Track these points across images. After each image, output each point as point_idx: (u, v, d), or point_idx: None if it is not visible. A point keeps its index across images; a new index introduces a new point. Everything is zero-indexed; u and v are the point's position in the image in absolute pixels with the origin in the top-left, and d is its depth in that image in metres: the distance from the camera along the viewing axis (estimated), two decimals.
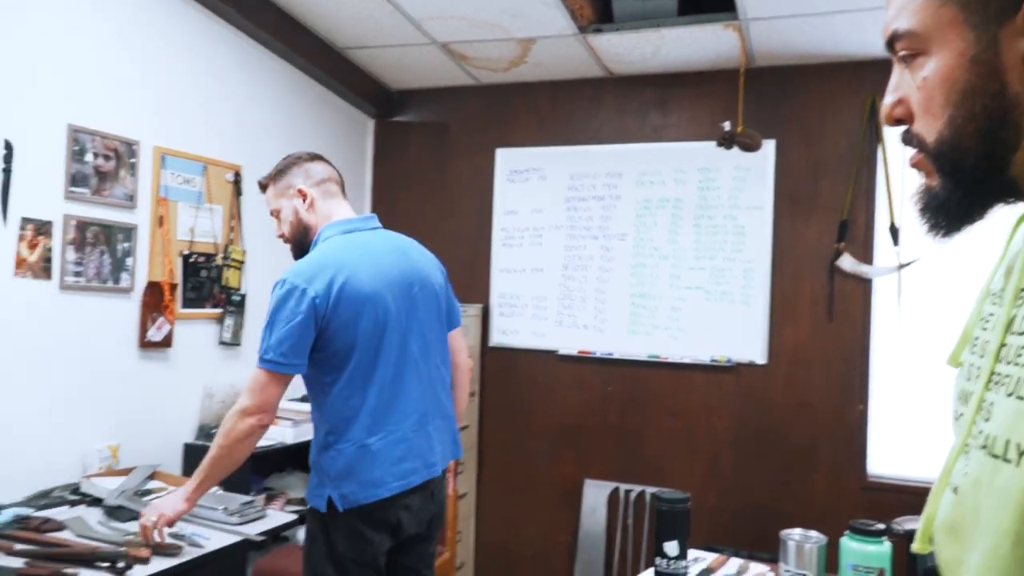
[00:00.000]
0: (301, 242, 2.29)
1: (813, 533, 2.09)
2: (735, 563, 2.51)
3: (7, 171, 2.74)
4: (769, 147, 4.02)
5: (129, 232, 3.20)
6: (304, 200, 2.28)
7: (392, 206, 4.77)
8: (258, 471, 3.71)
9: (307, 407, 3.99)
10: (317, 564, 2.10)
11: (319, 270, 2.08)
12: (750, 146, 3.61)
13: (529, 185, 4.52)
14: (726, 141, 3.60)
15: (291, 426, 3.74)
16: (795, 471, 3.99)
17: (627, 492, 4.24)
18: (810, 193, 4.01)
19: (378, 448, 2.09)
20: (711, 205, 4.14)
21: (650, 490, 4.19)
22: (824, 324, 3.98)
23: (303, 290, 2.06)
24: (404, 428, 2.11)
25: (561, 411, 4.41)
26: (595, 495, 4.29)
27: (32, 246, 2.83)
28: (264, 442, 3.66)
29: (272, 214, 2.34)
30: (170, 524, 2.20)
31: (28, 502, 2.75)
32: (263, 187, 2.36)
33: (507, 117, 4.59)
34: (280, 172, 2.31)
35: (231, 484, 3.19)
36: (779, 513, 3.93)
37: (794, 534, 2.10)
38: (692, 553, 2.26)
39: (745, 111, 3.89)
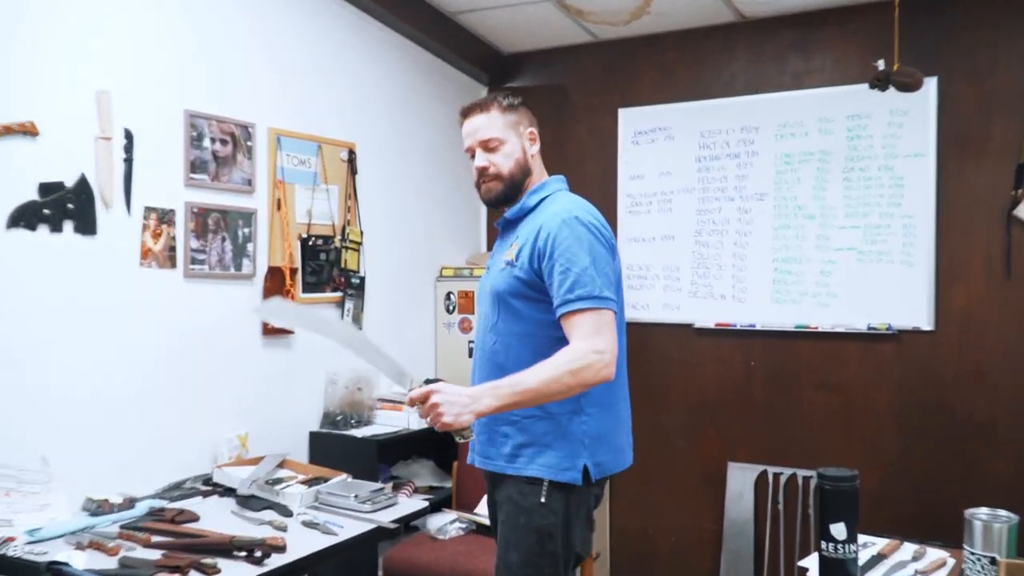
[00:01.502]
0: (514, 184, 2.13)
1: (1002, 512, 1.95)
2: (909, 548, 2.37)
3: (129, 161, 2.85)
4: (930, 85, 3.74)
5: (248, 217, 3.30)
6: (534, 145, 2.18)
7: None
8: (384, 458, 3.79)
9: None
10: (544, 562, 1.98)
11: (596, 216, 2.06)
12: (909, 85, 3.35)
13: (656, 146, 4.40)
14: (880, 82, 3.35)
15: (415, 411, 3.78)
16: (971, 450, 3.74)
17: (776, 475, 4.10)
18: (980, 135, 3.71)
19: (621, 411, 2.11)
20: (863, 156, 3.91)
21: (802, 473, 4.03)
22: (1000, 282, 3.69)
23: (599, 229, 2.02)
24: (618, 392, 2.11)
25: (700, 388, 4.29)
26: (741, 479, 4.17)
27: (156, 235, 2.94)
28: (388, 428, 3.73)
29: (487, 144, 2.11)
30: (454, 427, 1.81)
31: (162, 494, 2.89)
32: (479, 109, 2.14)
33: (629, 74, 4.47)
34: (512, 106, 2.15)
35: (359, 471, 3.26)
36: (952, 498, 3.70)
37: (980, 513, 1.97)
38: (860, 538, 2.13)
39: (901, 47, 3.64)
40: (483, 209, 4.93)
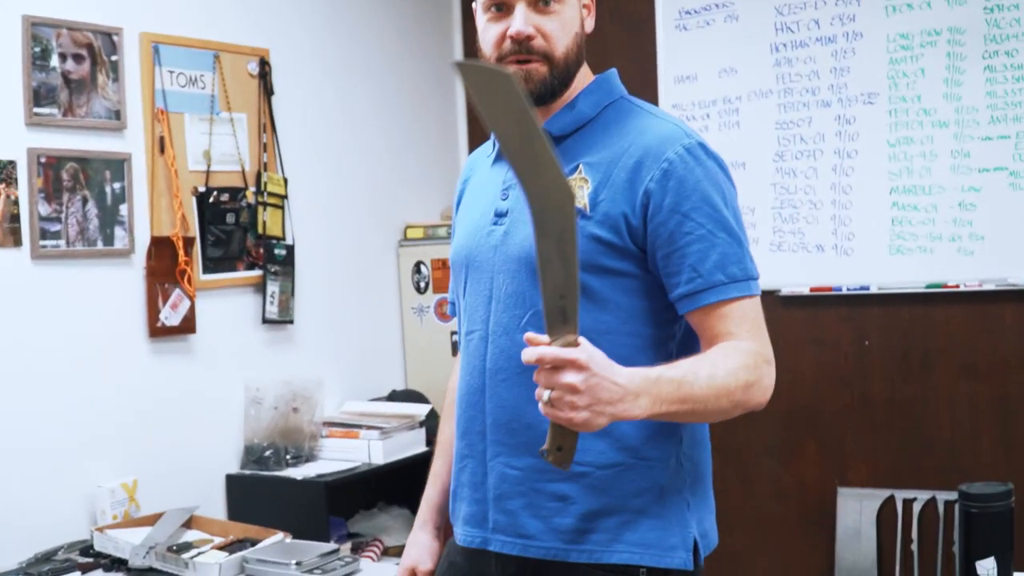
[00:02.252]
0: (568, 73, 1.98)
1: None
2: None
3: None
4: None
5: (119, 166, 3.36)
6: (590, 17, 2.06)
7: None
8: (337, 508, 3.88)
9: (402, 408, 4.13)
10: None
11: None
12: None
13: (712, 32, 4.45)
14: None
15: (379, 438, 3.88)
16: None
17: (908, 502, 4.19)
18: None
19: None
20: (1009, 35, 3.95)
21: (943, 496, 4.11)
22: None
23: (728, 170, 1.98)
24: None
25: (792, 384, 4.36)
26: (857, 511, 4.26)
27: None
28: (340, 464, 3.81)
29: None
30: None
31: (26, 569, 2.98)
32: None
33: None
34: None
35: (301, 527, 3.35)
36: None
37: None
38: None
39: None
40: (463, 133, 4.97)
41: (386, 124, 4.51)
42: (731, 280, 1.85)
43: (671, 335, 1.94)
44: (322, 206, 4.17)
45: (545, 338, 1.59)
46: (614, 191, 1.88)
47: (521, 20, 1.89)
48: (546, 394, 1.59)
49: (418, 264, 4.55)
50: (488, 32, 1.95)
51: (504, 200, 2.00)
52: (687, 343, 1.95)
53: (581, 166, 1.93)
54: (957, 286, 4.10)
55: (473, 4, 2.03)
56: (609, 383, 1.60)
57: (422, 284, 4.55)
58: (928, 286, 4.14)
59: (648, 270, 1.89)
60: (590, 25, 2.03)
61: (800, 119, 4.33)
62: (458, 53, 4.96)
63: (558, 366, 1.58)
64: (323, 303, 4.15)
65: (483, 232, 2.01)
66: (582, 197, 1.89)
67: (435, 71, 4.83)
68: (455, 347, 4.37)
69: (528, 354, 1.59)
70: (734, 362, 1.80)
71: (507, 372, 1.93)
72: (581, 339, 1.60)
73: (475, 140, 4.91)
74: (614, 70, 2.07)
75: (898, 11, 4.14)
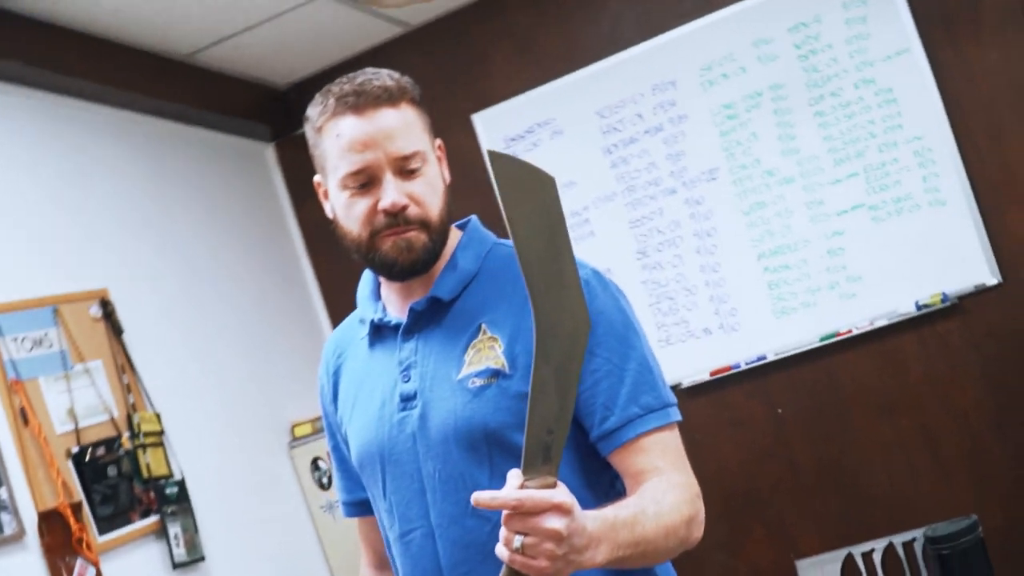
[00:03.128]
0: (444, 235, 1.90)
1: None
2: None
3: None
4: None
5: None
6: (444, 165, 1.95)
7: (343, 256, 4.71)
8: None
9: None
10: None
11: None
12: None
13: (542, 151, 4.50)
14: None
15: None
16: None
17: (867, 555, 4.17)
18: (966, 2, 3.97)
19: None
20: (828, 76, 4.12)
21: (900, 539, 4.12)
22: None
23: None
24: None
25: (720, 471, 4.34)
26: None
27: None
28: None
29: (406, 164, 1.84)
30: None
31: None
32: (385, 98, 1.84)
33: (472, 64, 4.57)
34: (420, 99, 1.92)
35: None
36: None
37: None
38: None
39: None
40: (325, 320, 4.91)
41: (245, 332, 4.43)
42: (646, 411, 1.80)
43: (612, 478, 1.86)
44: (203, 431, 4.03)
45: (519, 476, 1.49)
46: (524, 341, 1.79)
47: (393, 191, 1.81)
48: (517, 540, 1.48)
49: (315, 461, 4.43)
50: (354, 209, 1.84)
51: (407, 382, 1.87)
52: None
53: (483, 326, 1.85)
54: (850, 331, 4.16)
55: (316, 183, 1.93)
56: (580, 531, 1.51)
57: (324, 480, 4.42)
58: (822, 339, 4.21)
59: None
60: (447, 175, 1.94)
61: (651, 212, 4.39)
62: (283, 195, 4.96)
63: (540, 510, 1.47)
64: (230, 529, 3.99)
65: (392, 421, 1.87)
66: (497, 357, 1.80)
67: (279, 264, 4.79)
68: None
69: (507, 496, 1.47)
70: (673, 497, 1.73)
71: (469, 563, 1.81)
72: (559, 482, 1.50)
73: (338, 322, 4.82)
74: (475, 217, 2.00)
75: (715, 84, 4.26)
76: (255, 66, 4.53)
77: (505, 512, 1.47)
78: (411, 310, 1.88)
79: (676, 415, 1.83)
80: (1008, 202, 3.99)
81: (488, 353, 1.82)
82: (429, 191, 1.85)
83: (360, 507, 2.06)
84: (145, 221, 4.10)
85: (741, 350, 4.30)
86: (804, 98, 4.14)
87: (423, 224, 1.84)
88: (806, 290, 4.21)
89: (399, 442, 1.86)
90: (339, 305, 4.86)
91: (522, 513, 1.46)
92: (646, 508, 1.67)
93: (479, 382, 1.80)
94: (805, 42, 4.12)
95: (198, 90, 4.36)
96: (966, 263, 4.02)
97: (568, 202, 4.46)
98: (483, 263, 1.92)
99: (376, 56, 4.66)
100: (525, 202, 1.45)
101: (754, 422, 4.33)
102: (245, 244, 4.57)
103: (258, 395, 4.40)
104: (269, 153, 4.91)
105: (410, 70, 4.71)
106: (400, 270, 1.86)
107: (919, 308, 4.06)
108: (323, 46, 4.50)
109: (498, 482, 1.67)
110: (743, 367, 4.30)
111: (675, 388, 4.35)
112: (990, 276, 4.00)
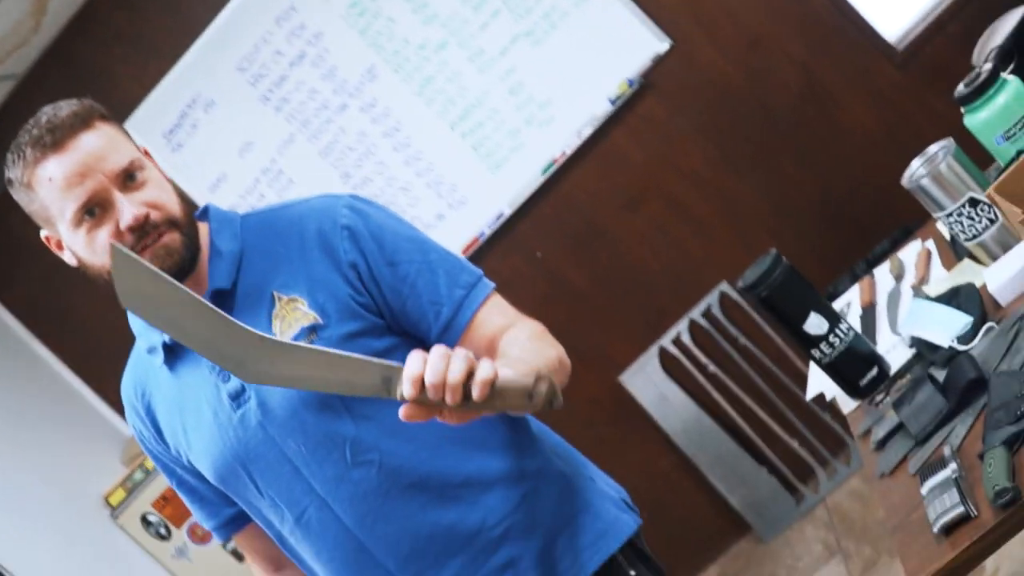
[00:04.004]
0: (193, 224, 1.88)
1: (931, 148, 2.17)
2: (884, 272, 2.62)
3: None
4: None
5: None
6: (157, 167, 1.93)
7: (62, 304, 4.63)
8: None
9: None
10: None
11: None
12: None
13: (205, 128, 4.44)
14: None
15: None
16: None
17: (676, 340, 4.36)
18: None
19: None
20: None
21: (697, 312, 4.30)
22: None
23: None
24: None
25: None
26: (645, 381, 4.42)
27: None
28: None
29: (126, 174, 1.80)
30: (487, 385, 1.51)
31: None
32: (79, 125, 1.79)
33: (94, 82, 4.42)
34: (107, 112, 1.87)
35: None
36: (863, 185, 4.15)
37: (917, 167, 2.16)
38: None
39: None
40: (79, 385, 4.75)
41: (8, 443, 4.26)
42: (469, 288, 1.84)
43: None
44: (24, 546, 3.89)
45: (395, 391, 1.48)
46: (324, 286, 1.82)
47: (127, 206, 1.77)
48: (456, 370, 1.44)
49: (143, 517, 4.31)
50: (96, 241, 1.78)
51: (227, 381, 1.84)
52: None
53: (275, 293, 1.85)
54: (563, 153, 4.29)
55: (46, 238, 1.87)
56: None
57: (162, 531, 4.33)
58: (544, 171, 4.31)
59: (407, 332, 1.85)
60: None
61: (335, 135, 4.40)
62: (21, 331, 4.76)
63: (442, 359, 1.45)
64: None
65: (232, 424, 1.85)
66: (306, 314, 1.81)
67: (10, 362, 4.59)
68: (236, 553, 4.19)
69: (411, 374, 1.44)
70: (525, 335, 1.79)
71: (374, 511, 1.83)
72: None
73: (91, 379, 4.74)
74: (211, 204, 1.99)
75: None
76: None
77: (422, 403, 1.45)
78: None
79: (490, 284, 1.87)
80: None
81: (295, 315, 1.82)
82: (161, 191, 1.83)
83: (232, 524, 2.04)
84: None
85: (478, 218, 4.38)
86: None
87: (171, 223, 1.81)
88: (507, 135, 4.28)
89: (251, 439, 1.84)
90: (88, 365, 4.72)
91: (424, 402, 1.45)
92: (518, 350, 1.71)
93: (309, 338, 1.80)
94: None
95: None
96: (634, 42, 4.15)
97: (253, 164, 4.45)
98: (242, 239, 1.90)
99: (1, 122, 4.45)
100: (146, 297, 1.45)
101: (521, 276, 4.42)
102: None
103: (57, 490, 4.25)
104: None
105: (29, 116, 4.49)
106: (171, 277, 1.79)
107: (614, 103, 4.19)
108: None
109: (363, 423, 1.79)
110: (487, 232, 4.38)
111: None
112: (659, 44, 4.14)
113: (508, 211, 4.35)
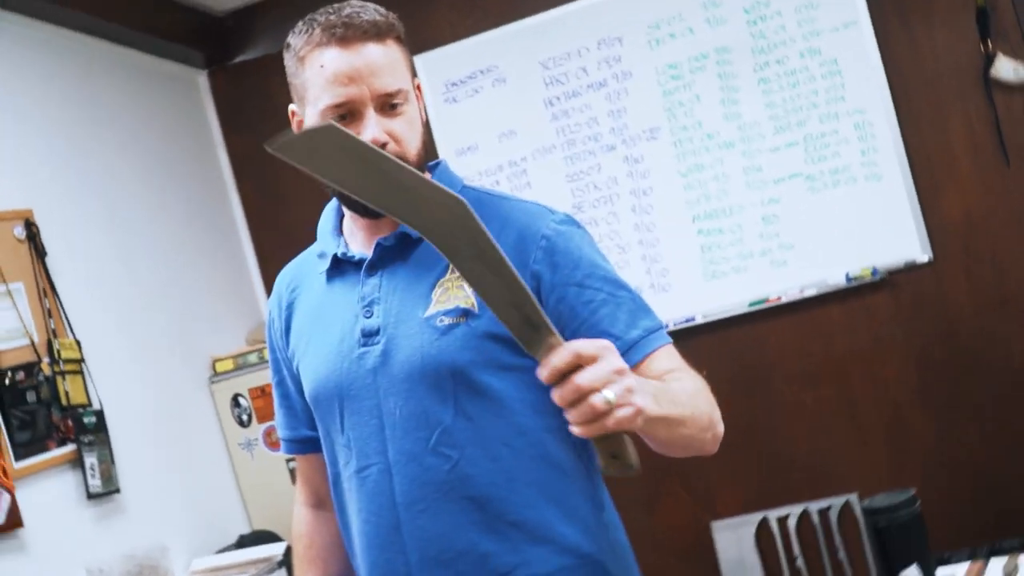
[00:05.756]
0: (421, 169, 1.90)
1: None
2: (997, 566, 2.60)
3: None
4: None
5: None
6: (422, 103, 1.96)
7: (270, 190, 4.81)
8: None
9: (255, 553, 4.04)
10: None
11: None
12: None
13: (483, 97, 4.56)
14: None
15: None
16: (1021, 406, 4.12)
17: (782, 520, 4.33)
18: None
19: None
20: (775, 43, 4.22)
21: (815, 506, 4.28)
22: (999, 170, 4.09)
23: None
24: None
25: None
26: (734, 540, 4.38)
27: None
28: None
29: (390, 100, 1.84)
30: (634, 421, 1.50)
31: None
32: (372, 33, 1.83)
33: (416, 5, 4.53)
34: (405, 37, 1.91)
35: None
36: (1020, 478, 4.06)
37: None
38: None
39: None
40: (251, 255, 4.95)
41: (169, 263, 4.43)
42: (648, 332, 1.83)
43: None
44: (123, 361, 4.06)
45: (536, 349, 1.44)
46: None
47: (374, 126, 1.81)
48: (606, 394, 1.40)
49: (235, 397, 4.47)
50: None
51: (369, 318, 1.88)
52: None
53: (451, 266, 1.76)
54: (779, 298, 4.29)
55: (291, 111, 1.93)
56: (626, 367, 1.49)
57: (244, 417, 4.47)
58: (751, 304, 4.33)
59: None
60: (425, 114, 1.96)
61: (589, 167, 4.47)
62: (215, 125, 4.98)
63: (586, 361, 1.41)
64: (146, 462, 4.02)
65: (351, 357, 1.88)
66: (467, 297, 1.83)
67: (206, 195, 4.82)
68: (293, 475, 4.31)
69: (560, 357, 1.40)
70: (690, 382, 1.78)
71: (426, 502, 1.85)
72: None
73: (264, 257, 4.93)
74: (444, 160, 2.04)
75: (662, 43, 4.33)
76: None
77: (557, 391, 1.42)
78: (378, 245, 1.89)
79: (668, 337, 1.86)
80: (944, 181, 4.14)
81: (457, 292, 1.84)
82: (409, 130, 1.86)
83: (303, 444, 2.10)
84: (73, 143, 4.09)
85: (670, 310, 4.40)
86: (750, 63, 4.25)
87: (402, 159, 1.78)
88: (738, 255, 4.33)
89: (358, 377, 1.89)
90: (266, 240, 4.92)
91: (570, 383, 1.41)
92: (674, 387, 1.71)
93: (447, 320, 1.83)
94: (754, 7, 4.22)
95: (132, 10, 4.34)
96: (898, 239, 4.17)
97: (506, 152, 4.56)
98: None
99: None
100: (328, 162, 1.45)
101: None
102: (173, 172, 4.58)
103: (181, 328, 4.43)
104: (202, 80, 4.91)
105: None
106: (365, 212, 1.88)
107: (849, 280, 4.21)
108: None
109: (461, 420, 1.81)
110: (671, 328, 4.39)
111: None
112: (921, 253, 4.15)
113: (699, 320, 4.39)
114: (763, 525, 4.38)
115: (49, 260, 3.82)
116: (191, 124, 4.84)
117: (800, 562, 4.31)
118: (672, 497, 4.50)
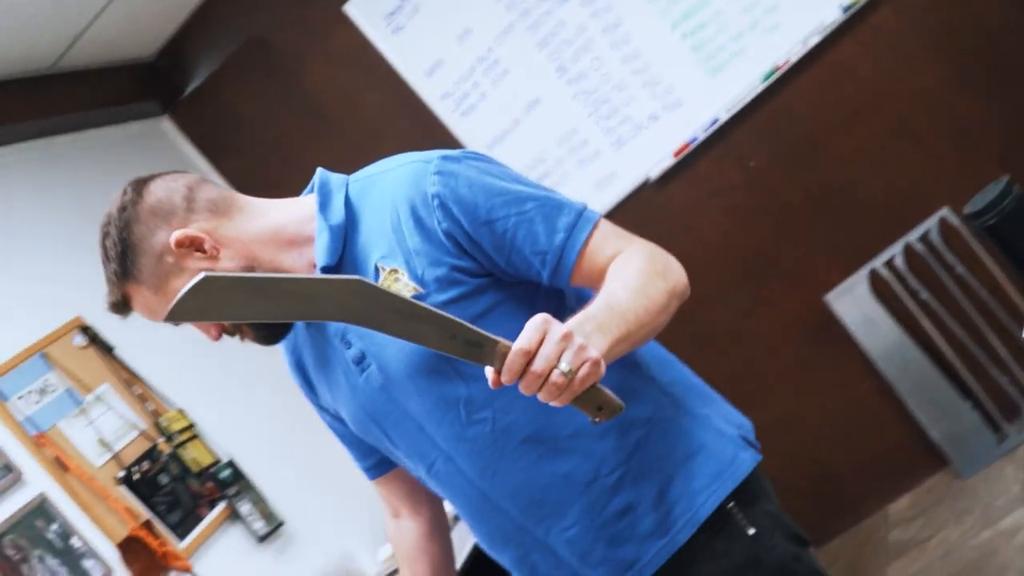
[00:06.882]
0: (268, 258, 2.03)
1: None
2: None
3: None
4: None
5: (43, 510, 3.33)
6: (215, 219, 2.05)
7: (275, 196, 4.83)
8: None
9: None
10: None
11: None
12: None
13: (424, 14, 4.56)
14: None
15: None
16: None
17: (889, 263, 4.35)
18: None
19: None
20: None
21: (914, 236, 4.28)
22: None
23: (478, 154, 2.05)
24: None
25: (721, 244, 4.53)
26: (852, 302, 4.44)
27: None
28: None
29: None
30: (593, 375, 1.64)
31: None
32: (117, 295, 2.06)
33: None
34: (123, 252, 2.04)
35: None
36: None
37: None
38: None
39: None
40: None
41: None
42: (569, 229, 1.91)
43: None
44: (226, 404, 4.20)
45: (490, 370, 1.59)
46: (421, 257, 1.92)
47: (205, 333, 2.03)
48: (562, 366, 1.57)
49: None
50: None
51: (350, 348, 1.99)
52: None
53: (378, 265, 1.95)
54: (787, 61, 4.29)
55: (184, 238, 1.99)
56: (572, 324, 1.64)
57: None
58: (764, 79, 4.33)
59: (509, 277, 1.94)
60: (219, 222, 2.06)
61: (554, 28, 4.47)
62: (198, 159, 5.00)
63: (535, 348, 1.57)
64: (295, 484, 4.16)
65: (359, 387, 2.01)
66: (406, 284, 1.92)
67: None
68: None
69: (517, 352, 1.56)
70: (633, 265, 1.86)
71: (493, 465, 1.97)
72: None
73: None
74: (319, 171, 2.10)
75: None
76: (118, 49, 4.56)
77: (521, 385, 1.58)
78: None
79: (593, 214, 1.94)
80: None
81: (396, 286, 1.92)
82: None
83: (378, 468, 2.23)
84: (85, 237, 4.15)
85: (693, 122, 4.43)
86: None
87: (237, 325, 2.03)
88: (729, 39, 4.31)
89: (377, 400, 2.01)
90: None
91: (534, 371, 1.57)
92: (613, 289, 1.80)
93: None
94: None
95: (75, 93, 4.39)
96: None
97: (471, 52, 4.59)
98: (346, 211, 2.01)
99: None
100: (223, 304, 1.50)
101: (733, 184, 4.49)
102: None
103: (259, 349, 4.46)
104: (166, 125, 4.95)
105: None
106: (268, 337, 2.07)
107: (846, 11, 4.18)
108: (169, 3, 4.54)
109: (475, 383, 1.92)
110: (701, 137, 4.43)
111: (645, 183, 4.50)
112: None
113: (724, 116, 4.39)
114: (874, 276, 4.41)
115: (118, 351, 3.91)
116: (178, 167, 4.84)
117: (924, 295, 4.34)
118: (777, 292, 4.54)
